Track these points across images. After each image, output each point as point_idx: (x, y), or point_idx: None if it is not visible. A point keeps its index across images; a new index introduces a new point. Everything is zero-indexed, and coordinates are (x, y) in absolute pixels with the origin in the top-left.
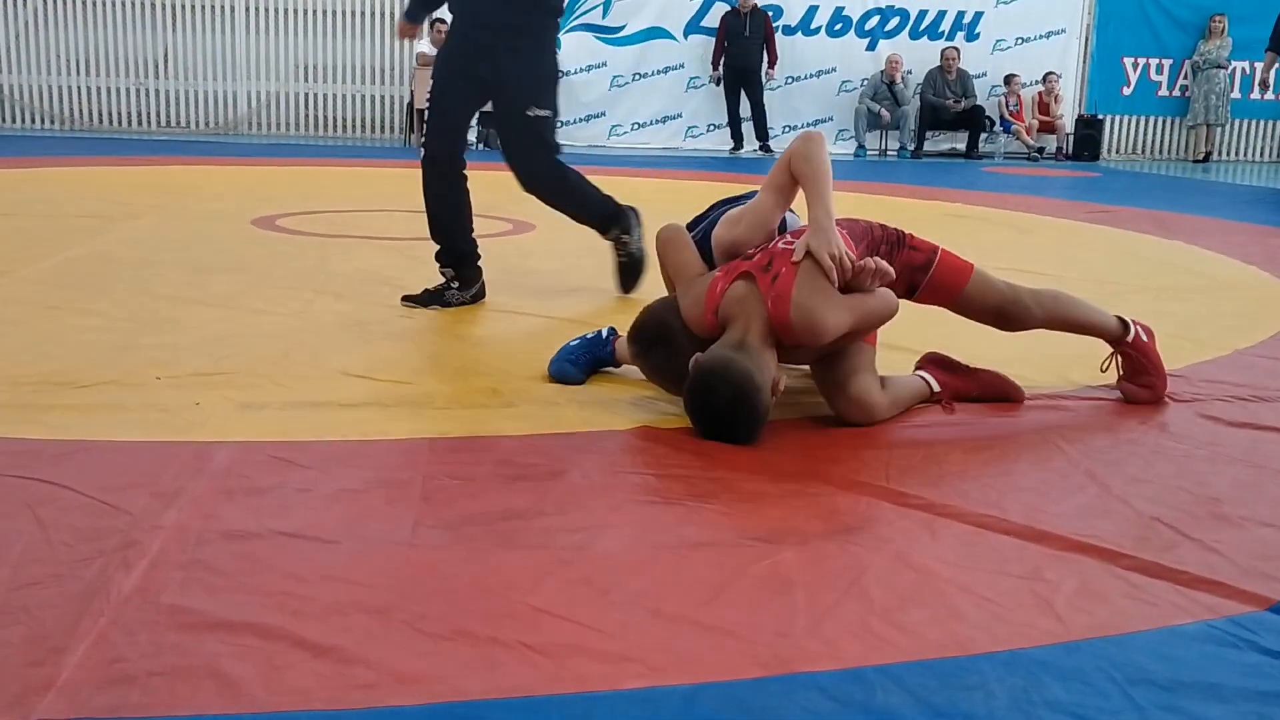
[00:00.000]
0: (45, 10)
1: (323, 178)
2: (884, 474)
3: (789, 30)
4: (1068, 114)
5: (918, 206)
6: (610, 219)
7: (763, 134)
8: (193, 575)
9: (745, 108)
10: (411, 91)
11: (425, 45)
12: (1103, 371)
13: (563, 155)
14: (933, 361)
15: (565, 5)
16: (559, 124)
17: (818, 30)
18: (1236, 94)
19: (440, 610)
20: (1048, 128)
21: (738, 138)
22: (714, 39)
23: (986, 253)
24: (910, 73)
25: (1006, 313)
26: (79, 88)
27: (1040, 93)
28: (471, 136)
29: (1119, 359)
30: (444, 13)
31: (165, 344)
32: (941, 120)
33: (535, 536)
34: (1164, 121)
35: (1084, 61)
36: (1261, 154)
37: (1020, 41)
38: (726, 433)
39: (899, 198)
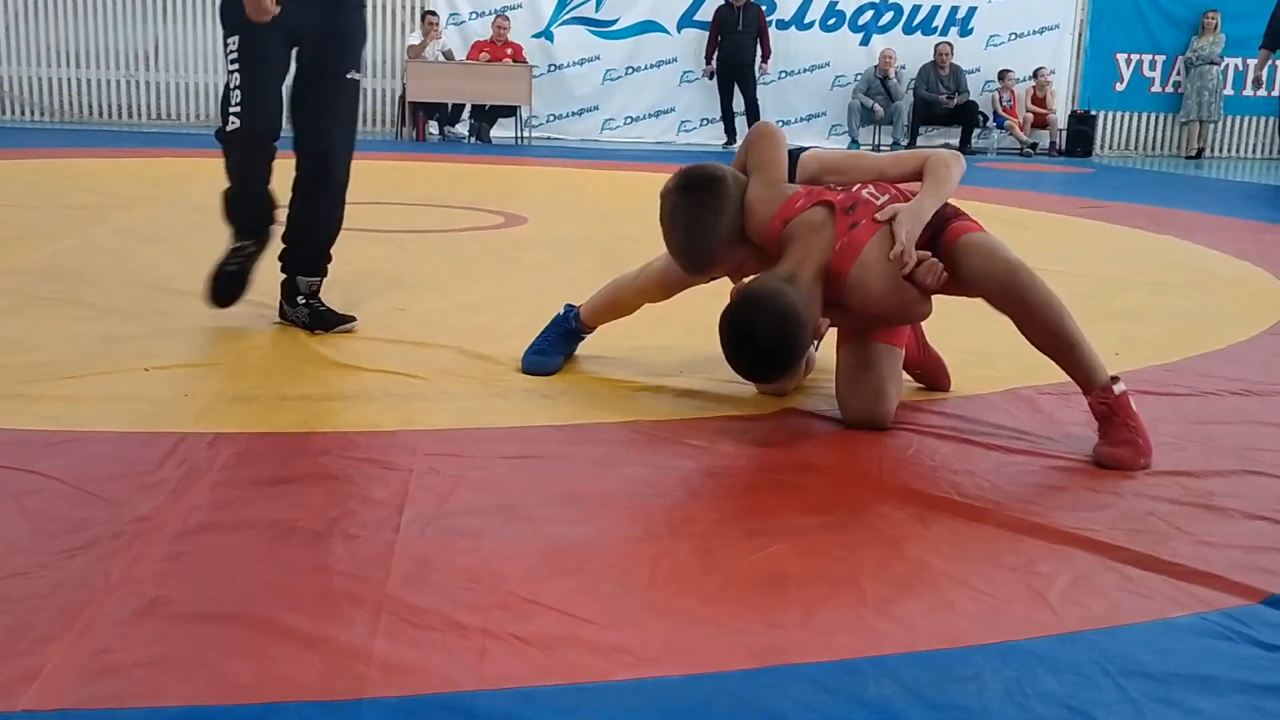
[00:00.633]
0: (35, 2)
1: None
2: (877, 466)
3: (782, 24)
4: (1061, 109)
5: None
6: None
7: None
8: (179, 566)
9: (738, 102)
10: (404, 84)
11: (416, 38)
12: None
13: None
14: None
15: None
16: (551, 118)
17: (811, 25)
18: (1229, 90)
19: (430, 601)
20: (1041, 122)
21: (731, 132)
22: (707, 33)
23: None
24: (904, 68)
25: (1008, 283)
26: (69, 80)
27: (1034, 88)
28: (463, 129)
29: (1096, 411)
30: (434, 4)
31: (155, 335)
32: (935, 115)
33: (526, 528)
34: (1157, 117)
35: (1077, 57)
36: (1254, 150)
37: (1014, 37)
38: (761, 366)
39: None
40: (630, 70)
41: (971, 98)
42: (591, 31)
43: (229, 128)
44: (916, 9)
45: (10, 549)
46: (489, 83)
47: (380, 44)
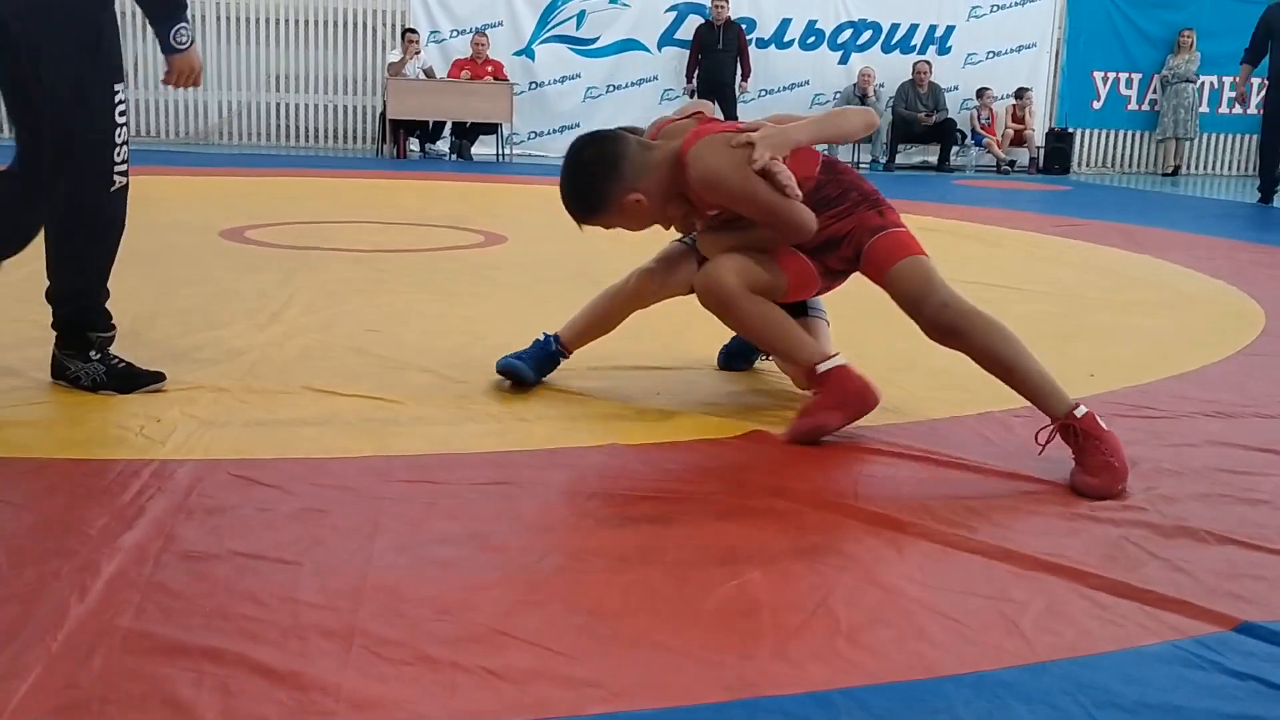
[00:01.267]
0: None
1: (293, 188)
2: (852, 492)
3: (762, 43)
4: (1038, 127)
5: None
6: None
7: None
8: (150, 598)
9: None
10: (384, 102)
11: (396, 55)
12: (1038, 443)
13: None
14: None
15: None
16: (532, 136)
17: (791, 43)
18: (1205, 108)
19: (401, 634)
20: (1018, 140)
21: None
22: (688, 51)
23: (955, 266)
24: (882, 86)
25: (937, 316)
26: None
27: (1013, 106)
28: (444, 146)
29: (1065, 438)
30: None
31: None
32: (913, 133)
33: (497, 557)
34: (1133, 135)
35: (1054, 75)
36: (1229, 168)
37: (992, 55)
38: (567, 185)
39: None
40: (611, 88)
41: (950, 116)
42: (573, 50)
43: (114, 187)
44: (895, 28)
45: None
46: (470, 100)
47: (360, 61)
